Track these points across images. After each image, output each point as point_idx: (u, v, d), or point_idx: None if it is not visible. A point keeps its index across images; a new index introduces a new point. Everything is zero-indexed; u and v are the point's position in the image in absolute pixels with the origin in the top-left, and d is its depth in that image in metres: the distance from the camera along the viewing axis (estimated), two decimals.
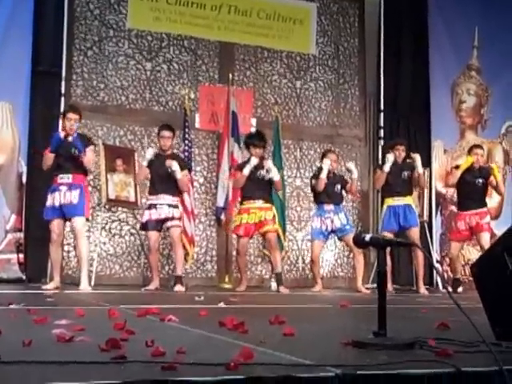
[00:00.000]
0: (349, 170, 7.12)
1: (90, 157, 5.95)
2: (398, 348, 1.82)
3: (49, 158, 5.91)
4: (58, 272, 6.02)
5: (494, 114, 9.25)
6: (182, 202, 6.95)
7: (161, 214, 6.37)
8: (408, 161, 7.09)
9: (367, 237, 1.98)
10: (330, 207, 6.96)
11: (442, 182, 8.86)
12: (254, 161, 6.55)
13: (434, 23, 8.97)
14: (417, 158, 6.97)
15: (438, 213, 8.77)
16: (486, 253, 2.15)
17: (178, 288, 6.23)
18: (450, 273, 8.57)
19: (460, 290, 7.20)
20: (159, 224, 6.44)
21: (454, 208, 8.73)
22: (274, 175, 6.58)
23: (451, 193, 8.73)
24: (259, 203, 6.63)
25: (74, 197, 5.83)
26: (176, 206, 6.46)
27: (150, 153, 6.44)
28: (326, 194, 6.97)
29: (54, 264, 6.07)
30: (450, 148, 9.02)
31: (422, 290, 6.92)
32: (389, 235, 6.77)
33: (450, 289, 7.20)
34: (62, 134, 5.90)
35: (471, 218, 7.17)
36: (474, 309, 2.13)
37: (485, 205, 7.29)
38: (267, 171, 6.56)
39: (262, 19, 8.43)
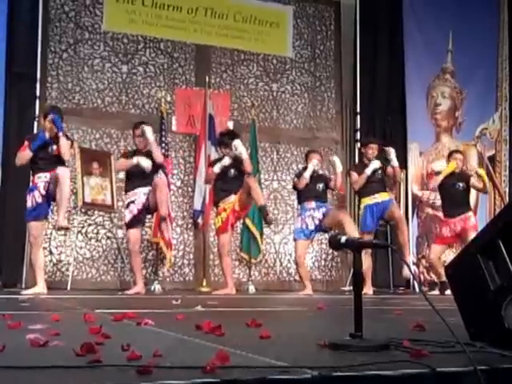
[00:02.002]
0: (332, 165, 7.04)
1: (64, 142, 5.80)
2: (374, 349, 1.83)
3: (26, 155, 5.80)
4: (41, 276, 5.82)
5: (469, 116, 9.36)
6: None
7: (139, 204, 6.27)
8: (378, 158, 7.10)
9: (343, 239, 1.99)
10: (311, 205, 6.88)
11: (418, 184, 8.94)
12: (227, 160, 6.52)
13: (408, 26, 9.06)
14: (390, 151, 6.98)
15: (415, 215, 8.84)
16: (460, 254, 2.17)
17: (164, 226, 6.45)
18: (426, 275, 8.65)
19: (448, 292, 7.22)
20: (142, 216, 6.37)
21: (430, 210, 8.82)
22: (242, 153, 6.46)
23: (427, 195, 8.81)
24: (232, 199, 6.55)
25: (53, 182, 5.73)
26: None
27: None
28: (308, 193, 6.91)
29: (35, 268, 5.86)
30: (425, 150, 9.10)
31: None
32: (368, 236, 6.82)
33: (438, 291, 7.23)
34: (47, 135, 5.79)
35: (456, 225, 7.16)
36: (453, 310, 2.15)
37: (469, 209, 7.33)
38: (235, 148, 6.44)
39: (239, 22, 8.44)
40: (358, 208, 8.38)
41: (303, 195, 6.98)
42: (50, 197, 5.77)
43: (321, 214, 6.82)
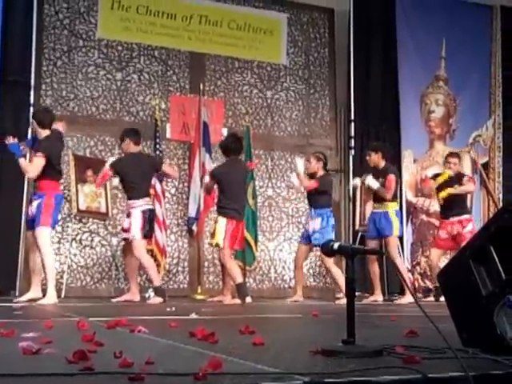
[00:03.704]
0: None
1: (23, 163, 5.73)
2: (367, 355, 1.83)
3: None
4: (37, 281, 5.80)
5: (462, 123, 9.39)
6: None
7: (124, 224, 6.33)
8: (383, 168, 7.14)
9: (335, 245, 2.00)
10: (311, 210, 6.96)
11: (413, 191, 8.95)
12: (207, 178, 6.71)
13: (402, 34, 9.09)
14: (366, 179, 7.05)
15: (409, 222, 8.85)
16: (452, 260, 2.18)
17: (154, 300, 6.06)
18: (420, 281, 8.65)
19: (443, 298, 7.19)
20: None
21: (424, 217, 8.83)
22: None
23: (421, 202, 8.82)
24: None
25: (34, 207, 5.71)
26: (128, 215, 6.26)
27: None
28: (308, 198, 7.05)
29: (31, 273, 5.87)
30: (419, 157, 9.11)
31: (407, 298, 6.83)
32: (371, 242, 6.84)
33: (433, 298, 7.24)
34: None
35: (453, 227, 7.09)
36: (446, 317, 2.15)
37: (467, 212, 7.29)
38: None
39: (233, 30, 8.46)
40: (353, 217, 8.43)
41: (308, 200, 7.15)
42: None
43: (312, 227, 6.83)
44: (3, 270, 6.86)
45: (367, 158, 7.17)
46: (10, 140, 5.71)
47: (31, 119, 5.87)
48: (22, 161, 5.71)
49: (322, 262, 7.09)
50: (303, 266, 7.49)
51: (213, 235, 6.45)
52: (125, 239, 6.31)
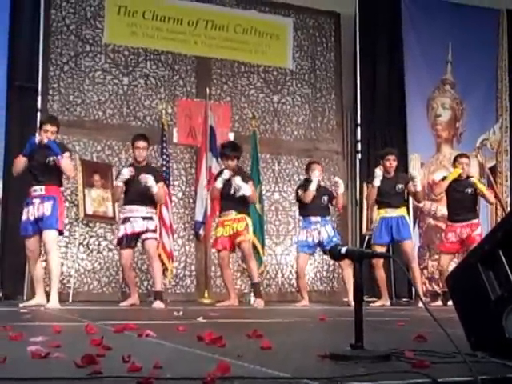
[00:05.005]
0: (336, 185, 6.98)
1: (66, 162, 5.71)
2: (375, 360, 1.82)
3: (19, 161, 5.73)
4: (40, 288, 5.78)
5: (469, 127, 9.37)
6: (161, 216, 6.93)
7: (135, 228, 6.17)
8: (401, 174, 7.12)
9: (343, 249, 1.99)
10: (316, 219, 6.88)
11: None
12: (227, 174, 6.50)
13: (408, 38, 9.09)
14: (417, 177, 6.95)
15: (416, 226, 8.83)
16: (461, 264, 2.17)
17: (157, 304, 6.02)
18: (428, 285, 8.63)
19: (450, 302, 7.13)
20: (134, 239, 6.27)
21: (431, 221, 8.81)
22: (245, 191, 6.46)
23: (428, 206, 8.80)
24: (232, 215, 6.57)
25: (46, 209, 5.62)
26: (151, 218, 6.25)
27: (125, 173, 6.15)
28: (313, 207, 6.88)
29: (34, 280, 5.85)
30: (426, 161, 9.10)
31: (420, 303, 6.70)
32: (380, 249, 6.79)
33: (441, 302, 7.21)
34: (37, 139, 5.69)
35: (462, 230, 7.02)
36: (454, 321, 2.14)
37: (476, 216, 7.19)
38: (236, 190, 6.47)
39: (239, 34, 8.48)
40: (360, 220, 8.42)
41: (308, 209, 6.94)
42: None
43: (326, 233, 6.83)
44: (11, 274, 6.89)
45: (388, 164, 6.97)
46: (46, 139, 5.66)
47: (51, 127, 5.77)
48: (65, 161, 5.67)
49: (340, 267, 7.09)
50: (310, 270, 7.49)
51: (244, 232, 6.52)
52: (151, 238, 6.27)
